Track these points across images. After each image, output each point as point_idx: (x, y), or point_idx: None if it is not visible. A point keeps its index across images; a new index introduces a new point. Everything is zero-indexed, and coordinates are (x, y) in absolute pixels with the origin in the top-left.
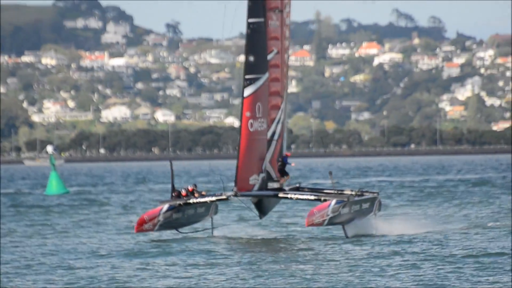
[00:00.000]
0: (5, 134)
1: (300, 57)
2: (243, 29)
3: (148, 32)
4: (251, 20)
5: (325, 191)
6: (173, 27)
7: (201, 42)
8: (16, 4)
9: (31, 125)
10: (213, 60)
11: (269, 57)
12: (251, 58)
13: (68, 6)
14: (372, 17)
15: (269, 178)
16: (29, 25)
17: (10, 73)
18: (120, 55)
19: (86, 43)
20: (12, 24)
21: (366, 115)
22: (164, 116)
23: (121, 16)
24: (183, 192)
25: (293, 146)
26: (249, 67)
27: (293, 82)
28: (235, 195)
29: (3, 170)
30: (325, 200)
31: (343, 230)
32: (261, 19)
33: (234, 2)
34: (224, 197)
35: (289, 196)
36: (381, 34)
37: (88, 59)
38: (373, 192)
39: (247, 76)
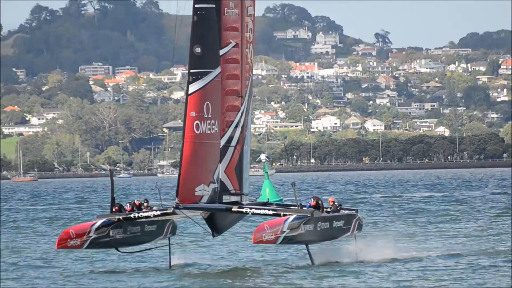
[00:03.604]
0: None
1: None
2: (453, 38)
3: (358, 42)
4: (198, 5)
5: (293, 207)
6: (382, 37)
7: (410, 51)
8: None
9: None
10: (423, 70)
11: (225, 50)
12: (198, 50)
13: (278, 17)
14: None
15: (224, 190)
16: None
17: None
18: (330, 65)
19: (296, 53)
20: None
21: None
22: (374, 126)
23: (331, 27)
24: (128, 207)
25: (505, 155)
26: (195, 60)
27: (504, 91)
28: (176, 207)
29: None
30: (284, 215)
31: (308, 253)
32: (211, 5)
33: None
34: (169, 211)
35: (244, 210)
36: None
37: (298, 70)
38: (351, 209)
39: (193, 70)
